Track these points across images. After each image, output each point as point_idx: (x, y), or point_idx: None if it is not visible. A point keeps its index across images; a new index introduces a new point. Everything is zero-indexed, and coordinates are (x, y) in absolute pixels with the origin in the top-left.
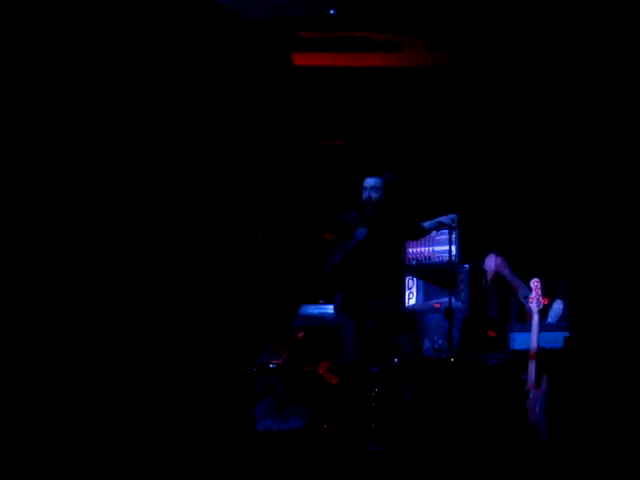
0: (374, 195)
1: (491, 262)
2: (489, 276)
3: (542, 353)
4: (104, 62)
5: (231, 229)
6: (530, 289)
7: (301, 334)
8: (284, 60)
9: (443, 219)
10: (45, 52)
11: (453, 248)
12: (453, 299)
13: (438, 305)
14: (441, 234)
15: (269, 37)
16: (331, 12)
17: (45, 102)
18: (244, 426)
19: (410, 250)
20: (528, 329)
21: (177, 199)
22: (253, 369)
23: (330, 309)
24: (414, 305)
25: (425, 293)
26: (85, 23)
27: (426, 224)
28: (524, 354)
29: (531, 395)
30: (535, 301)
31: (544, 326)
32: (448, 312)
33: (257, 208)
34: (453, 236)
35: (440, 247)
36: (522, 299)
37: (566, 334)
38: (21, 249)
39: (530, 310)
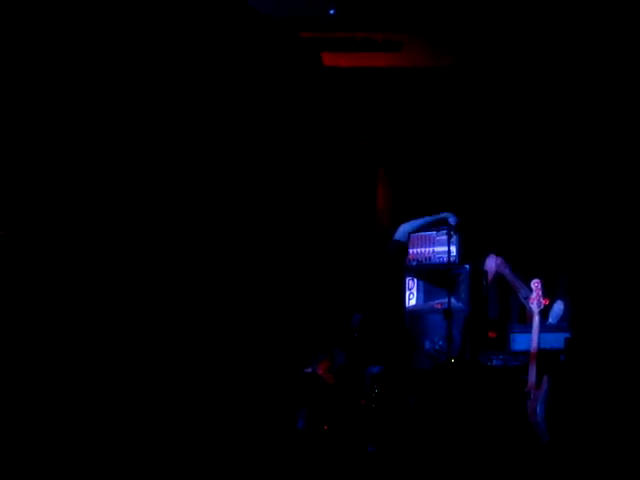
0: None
1: (491, 262)
2: (489, 277)
3: (543, 354)
4: (129, 61)
5: (230, 229)
6: (531, 290)
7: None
8: (315, 61)
9: (442, 215)
10: (52, 50)
11: (453, 249)
12: (453, 300)
13: (439, 306)
14: (442, 235)
15: (299, 39)
16: (331, 12)
17: (50, 101)
18: (286, 425)
19: (410, 250)
20: (529, 330)
21: (202, 199)
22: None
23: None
24: (414, 305)
25: (425, 294)
26: (102, 23)
27: (420, 221)
28: (525, 355)
29: (532, 396)
30: (536, 302)
31: (545, 327)
32: (447, 313)
33: (257, 207)
34: (453, 237)
35: (440, 248)
36: (523, 300)
37: (567, 335)
38: (22, 249)
39: (531, 311)
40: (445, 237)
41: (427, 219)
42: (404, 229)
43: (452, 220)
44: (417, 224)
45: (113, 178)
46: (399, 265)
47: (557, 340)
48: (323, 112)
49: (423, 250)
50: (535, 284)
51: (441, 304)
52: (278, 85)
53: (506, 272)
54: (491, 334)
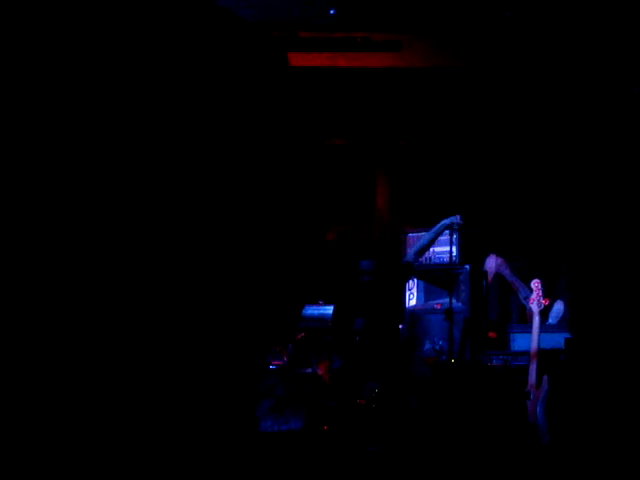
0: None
1: (491, 263)
2: (490, 277)
3: (543, 354)
4: (101, 64)
5: (230, 230)
6: (531, 290)
7: (301, 334)
8: (281, 60)
9: (446, 222)
10: (47, 55)
11: (454, 249)
12: (453, 300)
13: (439, 306)
14: (442, 235)
15: (266, 38)
16: (331, 12)
17: (48, 103)
18: (246, 426)
19: (410, 250)
20: (529, 330)
21: (175, 200)
22: (262, 371)
23: (330, 310)
24: (414, 306)
25: (426, 294)
26: (84, 26)
27: (425, 237)
28: (525, 355)
29: (532, 396)
30: (536, 302)
31: (545, 327)
32: (449, 313)
33: (257, 208)
34: (454, 237)
35: (441, 248)
36: (523, 300)
37: (567, 335)
38: (22, 249)
39: (531, 311)
40: (445, 237)
41: (431, 234)
42: (410, 252)
43: (459, 220)
44: (421, 243)
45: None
46: (402, 283)
47: (557, 340)
48: (292, 111)
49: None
50: (535, 284)
51: (441, 304)
52: (245, 85)
53: (506, 272)
54: (491, 334)
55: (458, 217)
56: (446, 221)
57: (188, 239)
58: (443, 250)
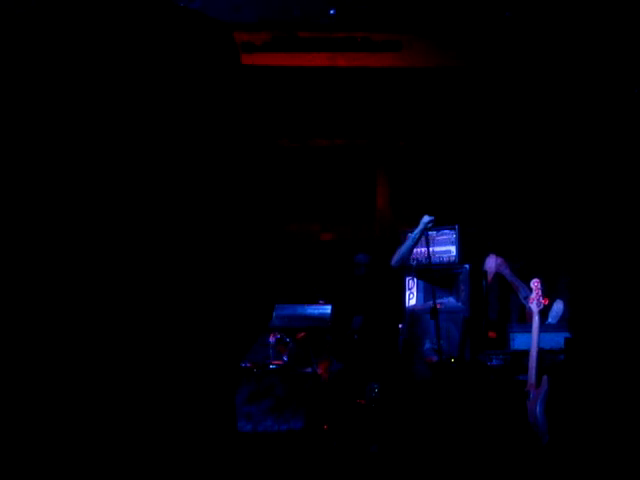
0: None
1: (491, 262)
2: (489, 276)
3: (542, 354)
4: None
5: (192, 229)
6: (530, 289)
7: (301, 334)
8: (230, 58)
9: (420, 227)
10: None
11: (453, 248)
12: (453, 299)
13: (439, 306)
14: (441, 235)
15: (218, 35)
16: (331, 12)
17: (40, 104)
18: (224, 426)
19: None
20: (529, 330)
21: (138, 200)
22: (236, 371)
23: (329, 310)
24: (414, 305)
25: (425, 293)
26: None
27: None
28: (524, 354)
29: (531, 396)
30: (535, 301)
31: (545, 327)
32: (433, 312)
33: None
34: (454, 236)
35: (440, 247)
36: (522, 299)
37: (567, 335)
38: (19, 249)
39: (530, 310)
40: (445, 237)
41: (409, 242)
42: (395, 258)
43: (427, 219)
44: (403, 250)
45: (89, 178)
46: (397, 284)
47: (557, 340)
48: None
49: (423, 250)
50: (535, 284)
51: (441, 304)
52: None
53: (506, 272)
54: (491, 334)
55: (426, 217)
56: (420, 227)
57: (153, 236)
58: (443, 250)
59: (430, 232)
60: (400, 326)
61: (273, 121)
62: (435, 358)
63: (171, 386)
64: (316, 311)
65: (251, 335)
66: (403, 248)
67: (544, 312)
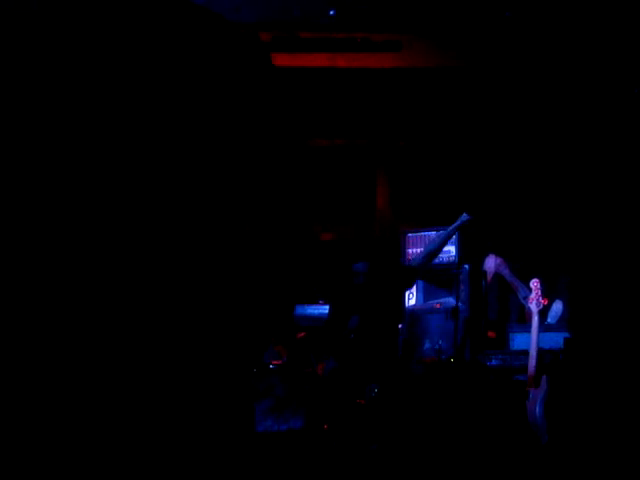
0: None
1: (491, 262)
2: (489, 276)
3: (542, 354)
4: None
5: (223, 230)
6: (530, 289)
7: (301, 334)
8: (264, 60)
9: (457, 223)
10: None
11: (453, 249)
12: (452, 299)
13: (438, 305)
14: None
15: (249, 39)
16: (331, 12)
17: (46, 103)
18: (243, 426)
19: (410, 250)
20: (528, 330)
21: (166, 200)
22: (253, 370)
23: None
24: (414, 305)
25: (425, 293)
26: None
27: (436, 241)
28: (524, 354)
29: (531, 395)
30: (535, 302)
31: (544, 327)
32: (454, 312)
33: (248, 207)
34: (453, 237)
35: None
36: (522, 300)
37: (566, 335)
38: (21, 249)
39: (530, 310)
40: None
41: (442, 238)
42: (417, 257)
43: (466, 217)
44: (430, 248)
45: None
46: (405, 287)
47: (556, 340)
48: (275, 111)
49: (419, 250)
50: (534, 284)
51: (440, 304)
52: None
53: (505, 272)
54: (490, 334)
55: (465, 215)
56: (457, 223)
57: (178, 239)
58: (443, 250)
59: (430, 232)
60: (400, 326)
61: (321, 122)
62: (443, 357)
63: (190, 386)
64: (316, 311)
65: (265, 336)
66: (431, 246)
67: (543, 312)
